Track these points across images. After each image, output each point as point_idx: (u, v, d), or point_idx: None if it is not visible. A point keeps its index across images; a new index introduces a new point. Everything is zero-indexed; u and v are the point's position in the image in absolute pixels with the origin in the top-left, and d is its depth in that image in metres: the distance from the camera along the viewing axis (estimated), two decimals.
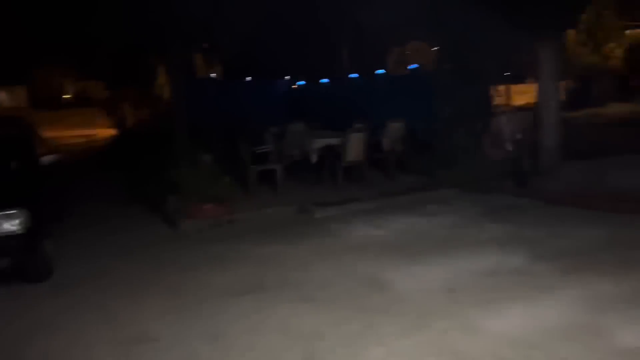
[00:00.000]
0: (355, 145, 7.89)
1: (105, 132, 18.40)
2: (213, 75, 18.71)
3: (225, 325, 3.71)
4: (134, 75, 13.62)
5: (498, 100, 10.40)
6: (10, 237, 4.43)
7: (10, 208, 4.48)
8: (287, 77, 15.32)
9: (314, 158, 8.13)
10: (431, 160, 8.20)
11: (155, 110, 14.30)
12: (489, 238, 5.35)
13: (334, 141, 8.12)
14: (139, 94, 14.55)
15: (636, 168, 6.86)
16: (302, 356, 3.20)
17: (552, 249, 4.86)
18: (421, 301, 3.90)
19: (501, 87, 12.50)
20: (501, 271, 4.42)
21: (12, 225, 4.45)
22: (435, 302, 3.86)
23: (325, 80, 14.20)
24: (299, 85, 14.80)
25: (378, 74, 13.26)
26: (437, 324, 3.50)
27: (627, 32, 24.43)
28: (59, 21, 11.18)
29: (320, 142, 8.15)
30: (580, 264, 4.42)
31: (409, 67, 14.64)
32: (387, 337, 3.37)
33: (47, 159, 6.08)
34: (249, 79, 15.91)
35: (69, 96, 30.22)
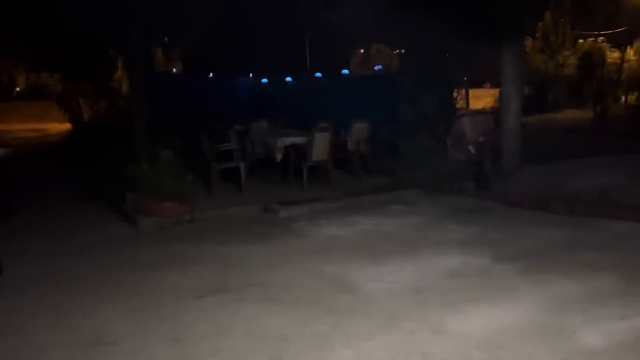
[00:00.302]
0: (320, 145, 7.83)
1: (60, 126, 17.72)
2: (173, 70, 18.32)
3: (187, 328, 3.58)
4: (92, 68, 13.13)
5: (458, 104, 10.60)
6: None
7: None
8: (250, 75, 15.14)
9: (278, 157, 8.03)
10: (395, 161, 8.25)
11: (113, 105, 13.84)
12: (453, 239, 5.40)
13: (299, 140, 8.04)
14: (96, 87, 14.03)
15: (591, 171, 7.09)
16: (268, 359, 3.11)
17: (513, 251, 4.94)
18: (387, 302, 3.88)
19: (461, 91, 12.75)
20: (465, 272, 4.45)
21: None
22: (402, 303, 3.84)
23: (289, 79, 14.11)
24: (262, 83, 14.64)
25: (343, 74, 13.28)
26: (404, 325, 3.47)
27: (581, 40, 25.36)
28: (10, 8, 10.66)
29: (285, 141, 8.05)
30: (542, 265, 4.51)
31: (375, 68, 14.72)
32: (354, 338, 3.32)
33: None
34: (210, 75, 15.65)
35: (18, 89, 29.00)
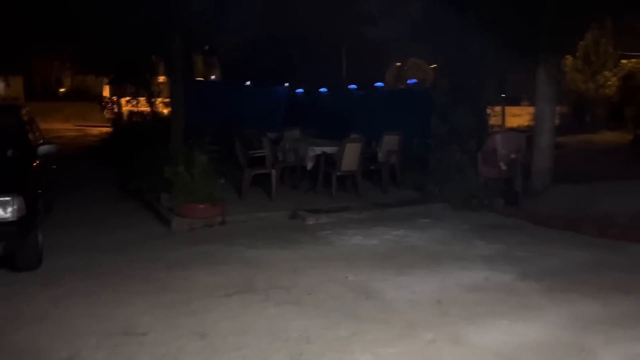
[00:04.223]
0: (350, 155, 7.95)
1: (101, 127, 18.35)
2: (212, 77, 18.78)
3: (213, 324, 3.73)
4: (134, 72, 13.63)
5: (493, 121, 10.56)
6: (3, 223, 4.42)
7: (5, 195, 4.47)
8: (286, 84, 15.40)
9: (309, 165, 8.18)
10: (425, 174, 8.29)
11: (153, 109, 14.30)
12: (478, 254, 5.42)
13: (329, 149, 8.18)
14: (137, 91, 14.55)
15: (623, 194, 6.97)
16: (289, 358, 3.23)
17: (538, 269, 4.93)
18: (408, 312, 3.95)
19: (497, 108, 12.68)
20: (488, 287, 4.48)
21: (5, 212, 4.44)
22: (422, 314, 3.91)
23: (323, 89, 14.30)
24: (297, 93, 14.88)
25: (376, 87, 13.38)
26: (423, 334, 3.54)
27: (623, 61, 24.80)
28: (56, 12, 11.14)
29: (316, 150, 8.20)
30: (566, 284, 4.50)
31: (408, 82, 14.80)
32: (373, 344, 3.40)
33: (43, 149, 6.09)
34: (247, 83, 15.98)
35: (63, 89, 30.10)
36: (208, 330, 3.64)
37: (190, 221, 6.41)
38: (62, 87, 30.18)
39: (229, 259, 5.26)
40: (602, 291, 4.34)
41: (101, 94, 15.93)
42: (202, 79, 20.95)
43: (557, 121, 11.14)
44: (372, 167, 8.69)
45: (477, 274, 4.80)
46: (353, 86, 14.02)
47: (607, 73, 24.59)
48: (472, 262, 5.17)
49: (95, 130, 19.16)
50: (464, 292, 4.36)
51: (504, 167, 7.65)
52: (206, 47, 17.01)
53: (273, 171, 7.88)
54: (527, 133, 9.09)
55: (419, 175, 8.40)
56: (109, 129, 15.34)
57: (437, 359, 3.21)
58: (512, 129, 13.07)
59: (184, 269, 4.93)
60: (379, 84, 13.70)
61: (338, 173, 7.97)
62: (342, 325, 3.70)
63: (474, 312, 3.93)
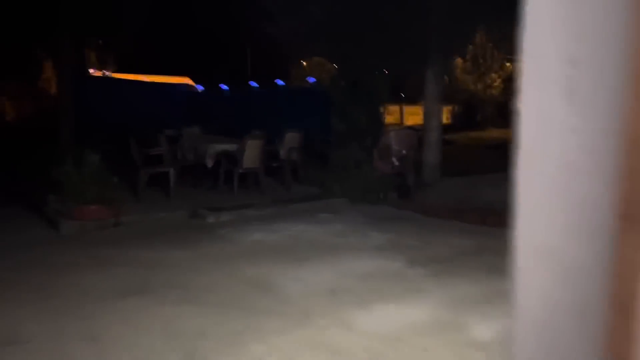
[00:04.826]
0: (252, 152, 7.99)
1: None
2: (107, 73, 17.90)
3: (105, 327, 3.62)
4: (17, 66, 12.64)
5: (391, 119, 11.10)
6: None
7: None
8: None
9: (209, 163, 8.10)
10: (325, 171, 8.53)
11: (40, 106, 13.36)
12: (372, 245, 5.70)
13: (230, 147, 8.16)
14: (21, 87, 13.51)
15: (505, 185, 7.64)
16: (183, 355, 3.22)
17: (426, 256, 5.29)
18: (304, 302, 4.08)
19: (394, 107, 13.29)
20: (380, 275, 4.74)
21: None
22: (318, 303, 4.06)
23: (224, 86, 14.17)
24: (198, 90, 14.62)
25: (278, 84, 13.50)
26: (316, 322, 3.69)
27: (507, 64, 26.96)
28: None
29: (216, 147, 8.14)
30: (450, 269, 4.87)
31: (308, 80, 15.06)
32: (269, 335, 3.49)
33: None
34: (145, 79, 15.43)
35: None
36: (99, 334, 3.52)
37: (81, 224, 6.12)
38: None
39: (123, 261, 5.09)
40: (481, 273, 4.74)
41: None
42: (97, 74, 19.88)
43: (448, 119, 11.93)
44: (274, 165, 8.80)
45: (370, 263, 5.05)
46: (253, 83, 14.04)
47: (493, 75, 26.61)
48: (366, 252, 5.43)
49: None
50: (357, 280, 4.57)
51: (396, 163, 8.08)
52: (100, 41, 16.18)
53: (171, 170, 7.72)
54: (421, 131, 9.66)
55: (320, 172, 8.63)
56: None
57: (328, 344, 3.35)
58: (407, 127, 13.80)
59: (74, 274, 4.71)
60: (279, 81, 13.84)
61: (240, 171, 7.98)
62: (239, 319, 3.75)
63: (365, 298, 4.14)
